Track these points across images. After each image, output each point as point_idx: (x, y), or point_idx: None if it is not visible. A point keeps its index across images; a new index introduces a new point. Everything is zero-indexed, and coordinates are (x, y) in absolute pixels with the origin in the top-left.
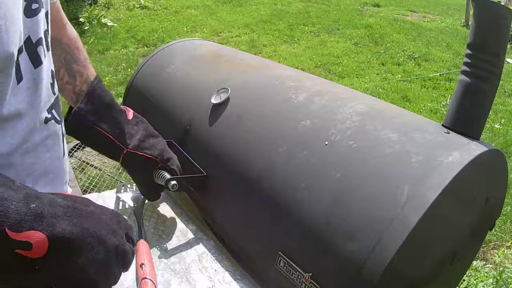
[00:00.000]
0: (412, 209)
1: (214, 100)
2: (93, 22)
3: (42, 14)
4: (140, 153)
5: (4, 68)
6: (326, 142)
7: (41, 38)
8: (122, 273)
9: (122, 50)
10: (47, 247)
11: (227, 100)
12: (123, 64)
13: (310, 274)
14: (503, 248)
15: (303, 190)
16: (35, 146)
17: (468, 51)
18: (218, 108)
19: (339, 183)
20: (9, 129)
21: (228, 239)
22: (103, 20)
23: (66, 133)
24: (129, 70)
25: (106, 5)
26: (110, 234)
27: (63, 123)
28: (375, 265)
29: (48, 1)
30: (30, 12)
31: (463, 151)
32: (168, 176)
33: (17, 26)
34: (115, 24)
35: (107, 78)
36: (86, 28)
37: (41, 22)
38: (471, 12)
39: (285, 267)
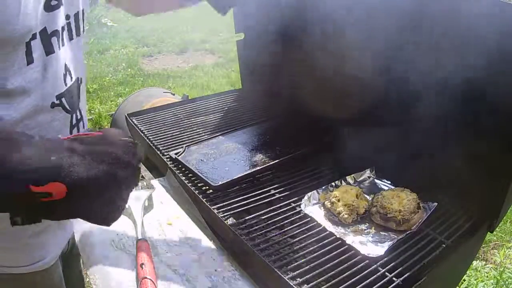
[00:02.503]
0: None
1: None
2: (93, 22)
3: (61, 11)
4: None
5: (16, 44)
6: None
7: (57, 31)
8: (122, 272)
9: (122, 50)
10: (65, 191)
11: None
12: (123, 64)
13: None
14: (504, 249)
15: None
16: (39, 125)
17: None
18: None
19: None
20: (14, 103)
21: None
22: (103, 20)
23: None
24: (129, 70)
25: (106, 5)
26: (123, 168)
27: (74, 115)
28: None
29: (79, 4)
30: (48, 7)
31: None
32: None
33: (30, 16)
34: (115, 24)
35: (107, 78)
36: (86, 28)
37: (59, 18)
38: None
39: None
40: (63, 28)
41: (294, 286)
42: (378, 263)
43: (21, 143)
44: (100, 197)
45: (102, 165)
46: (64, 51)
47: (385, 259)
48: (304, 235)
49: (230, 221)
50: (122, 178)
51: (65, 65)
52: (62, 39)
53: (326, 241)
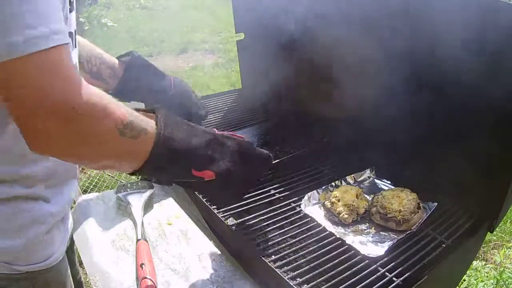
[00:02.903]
0: None
1: None
2: (93, 22)
3: (73, 15)
4: None
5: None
6: None
7: (70, 33)
8: (122, 272)
9: (122, 50)
10: (214, 177)
11: None
12: None
13: None
14: (504, 249)
15: None
16: None
17: None
18: None
19: None
20: None
21: None
22: (103, 20)
23: None
24: None
25: (106, 5)
26: (257, 173)
27: None
28: None
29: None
30: None
31: None
32: None
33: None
34: (115, 24)
35: None
36: (86, 28)
37: (72, 21)
38: None
39: None
40: (75, 31)
41: (294, 286)
42: (378, 263)
43: (191, 132)
44: (235, 185)
45: (244, 166)
46: (75, 53)
47: (385, 259)
48: (304, 235)
49: (230, 221)
50: (255, 179)
51: (76, 66)
52: (74, 41)
53: (326, 241)
